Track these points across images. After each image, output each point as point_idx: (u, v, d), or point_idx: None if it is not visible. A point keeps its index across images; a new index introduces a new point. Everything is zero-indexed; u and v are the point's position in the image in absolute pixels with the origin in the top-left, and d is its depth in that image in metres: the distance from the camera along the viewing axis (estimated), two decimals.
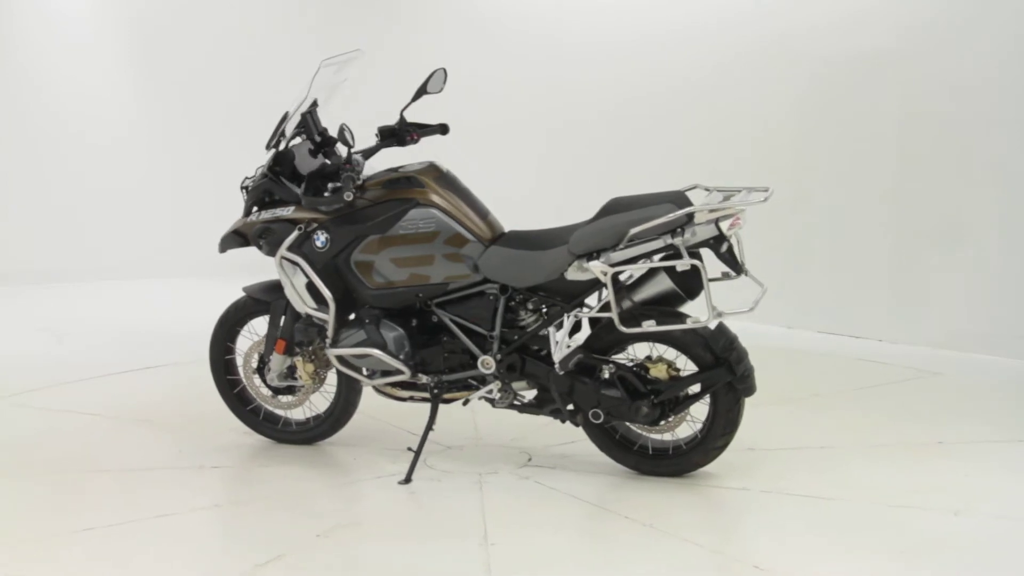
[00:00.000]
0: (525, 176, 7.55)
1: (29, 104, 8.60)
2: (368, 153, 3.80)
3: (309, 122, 3.76)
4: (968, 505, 3.25)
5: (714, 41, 6.58)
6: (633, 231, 3.25)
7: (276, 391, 4.00)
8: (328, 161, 3.75)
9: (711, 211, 3.22)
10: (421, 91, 3.74)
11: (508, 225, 3.71)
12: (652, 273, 3.35)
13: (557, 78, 7.43)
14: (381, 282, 3.66)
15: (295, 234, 3.73)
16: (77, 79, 8.76)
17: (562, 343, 3.42)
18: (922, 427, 4.15)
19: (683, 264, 3.22)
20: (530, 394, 3.65)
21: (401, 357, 3.64)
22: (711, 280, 3.30)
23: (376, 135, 3.83)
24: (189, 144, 8.96)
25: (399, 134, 3.80)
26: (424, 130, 3.84)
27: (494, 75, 7.65)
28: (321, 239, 3.70)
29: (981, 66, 5.49)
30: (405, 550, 3.04)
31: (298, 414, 4.09)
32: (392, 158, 4.01)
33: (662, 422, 3.45)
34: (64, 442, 4.17)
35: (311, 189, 3.69)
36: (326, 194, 3.66)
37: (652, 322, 3.30)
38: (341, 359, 3.73)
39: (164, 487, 3.64)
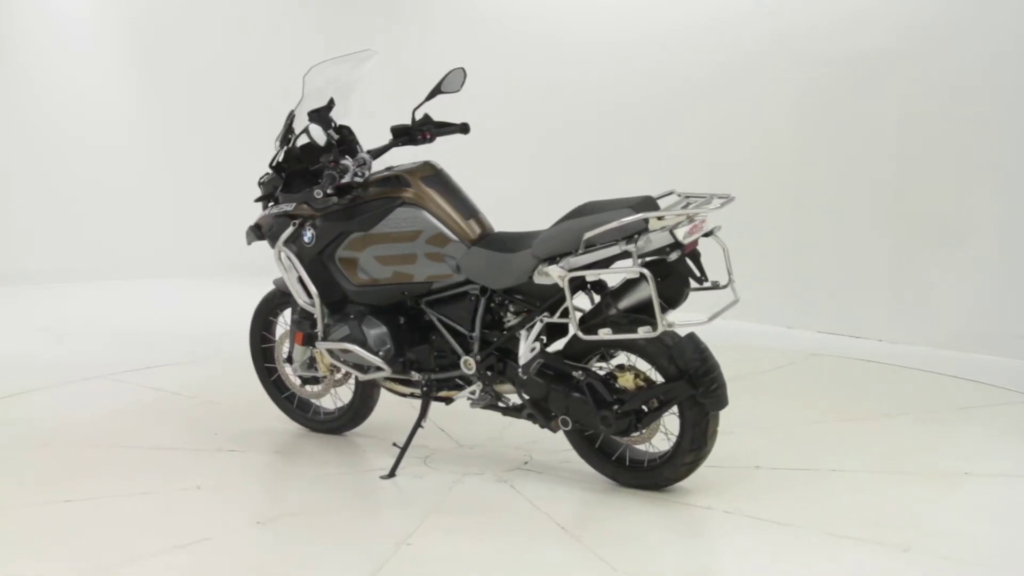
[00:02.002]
0: (525, 176, 7.55)
1: (29, 104, 8.60)
2: (377, 152, 3.79)
3: (319, 121, 3.77)
4: (923, 542, 3.02)
5: (714, 41, 6.58)
6: (587, 236, 3.16)
7: (303, 380, 4.09)
8: (314, 160, 3.77)
9: (660, 218, 3.11)
10: (436, 90, 3.72)
11: (506, 225, 3.70)
12: (635, 281, 3.25)
13: (557, 78, 7.43)
14: (365, 279, 3.70)
15: (290, 229, 3.81)
16: (77, 79, 8.76)
17: (526, 347, 3.38)
18: (964, 455, 3.83)
19: (632, 272, 3.13)
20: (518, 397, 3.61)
21: (380, 354, 3.66)
22: (697, 289, 3.23)
23: (397, 134, 3.83)
24: (189, 144, 8.96)
25: (411, 133, 3.78)
26: (443, 129, 3.82)
27: (494, 75, 7.65)
28: (308, 235, 3.78)
29: (981, 66, 5.49)
30: (320, 544, 3.11)
31: (328, 404, 4.19)
32: (404, 156, 4.03)
33: (634, 433, 3.34)
34: (117, 419, 4.45)
35: (294, 185, 3.77)
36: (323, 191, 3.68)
37: (608, 330, 3.20)
38: (332, 353, 3.78)
39: (171, 466, 3.80)
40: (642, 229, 3.13)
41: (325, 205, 3.70)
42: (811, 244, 6.31)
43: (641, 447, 3.47)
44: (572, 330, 3.24)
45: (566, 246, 3.23)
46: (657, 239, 3.13)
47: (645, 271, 3.07)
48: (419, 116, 3.81)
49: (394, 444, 3.78)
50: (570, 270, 3.20)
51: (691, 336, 3.26)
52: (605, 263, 3.19)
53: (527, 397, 3.47)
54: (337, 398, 4.14)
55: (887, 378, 5.10)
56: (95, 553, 3.04)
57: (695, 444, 3.28)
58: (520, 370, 3.41)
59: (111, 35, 8.93)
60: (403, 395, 3.81)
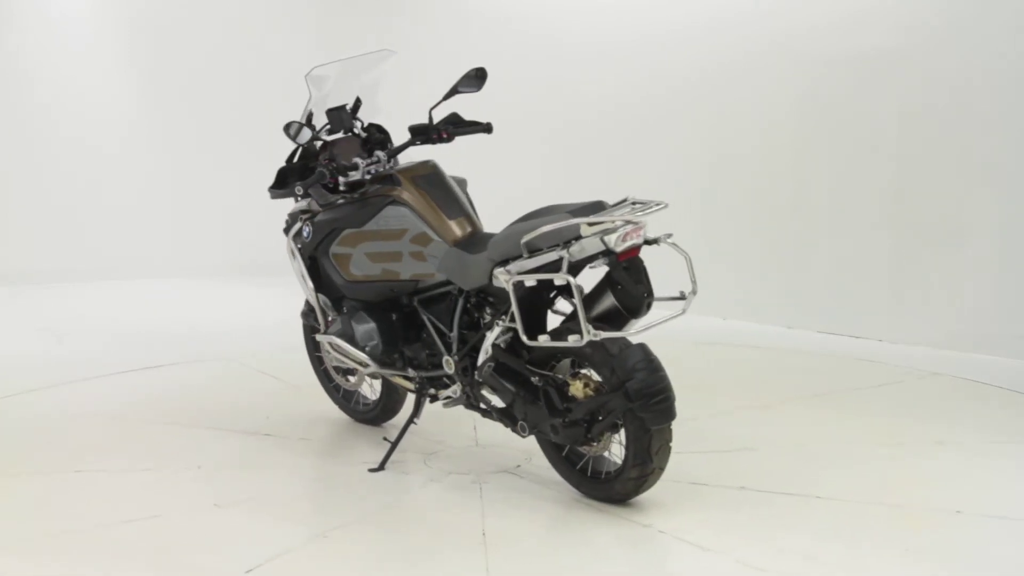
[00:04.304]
0: (525, 176, 7.55)
1: (29, 104, 8.60)
2: (392, 152, 3.77)
3: (337, 119, 3.81)
4: None
5: (714, 41, 6.59)
6: (524, 240, 3.07)
7: (343, 371, 4.14)
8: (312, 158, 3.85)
9: (589, 224, 2.96)
10: (454, 90, 3.70)
11: (503, 226, 3.67)
12: (600, 289, 3.14)
13: (557, 78, 7.43)
14: (357, 275, 3.73)
15: (297, 225, 3.93)
16: (77, 79, 8.77)
17: (484, 349, 3.34)
18: (975, 492, 3.43)
19: (560, 278, 3.01)
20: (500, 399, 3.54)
21: (367, 349, 3.68)
22: (661, 299, 3.14)
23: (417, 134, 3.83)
24: (189, 144, 8.97)
25: (428, 132, 3.76)
26: (465, 129, 3.80)
27: (494, 75, 7.58)
28: (306, 230, 3.88)
29: (981, 66, 5.50)
30: (245, 530, 3.18)
31: (369, 395, 4.25)
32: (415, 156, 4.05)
33: (594, 443, 3.23)
34: (186, 396, 4.73)
35: (289, 182, 3.82)
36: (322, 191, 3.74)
37: (547, 337, 3.08)
38: (330, 347, 3.85)
39: (192, 446, 3.97)
40: (578, 235, 3.00)
41: (326, 201, 3.75)
42: (811, 244, 6.31)
43: (606, 457, 3.35)
44: (520, 335, 3.12)
45: (512, 250, 3.15)
46: (589, 245, 3.00)
47: (570, 278, 2.97)
48: (445, 115, 3.80)
49: (384, 439, 3.82)
50: (517, 274, 3.13)
51: (640, 346, 3.10)
52: (547, 268, 3.07)
53: (488, 399, 3.47)
54: (374, 390, 4.19)
55: (992, 402, 4.61)
56: (51, 520, 3.22)
57: (638, 459, 3.11)
58: (476, 372, 3.39)
59: (111, 35, 8.93)
60: (410, 391, 3.82)
